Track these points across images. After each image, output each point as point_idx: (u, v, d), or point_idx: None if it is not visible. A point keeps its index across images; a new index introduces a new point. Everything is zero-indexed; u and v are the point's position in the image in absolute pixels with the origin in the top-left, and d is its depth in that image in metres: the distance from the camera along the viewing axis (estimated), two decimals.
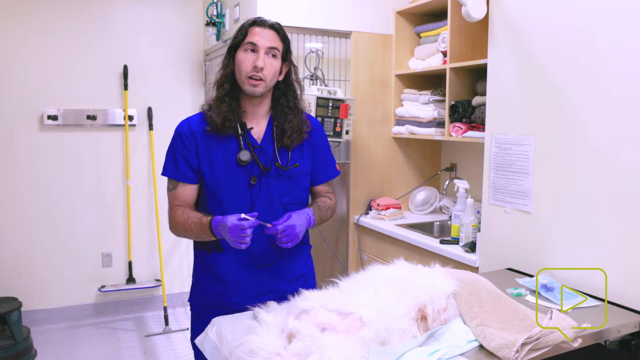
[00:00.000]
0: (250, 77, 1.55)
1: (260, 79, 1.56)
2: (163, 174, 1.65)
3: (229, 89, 1.60)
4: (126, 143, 3.67)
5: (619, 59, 1.60)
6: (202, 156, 1.60)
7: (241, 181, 1.60)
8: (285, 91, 1.66)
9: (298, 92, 1.69)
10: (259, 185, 1.61)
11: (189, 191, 1.62)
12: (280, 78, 1.65)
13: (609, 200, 1.64)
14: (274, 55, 1.58)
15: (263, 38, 1.56)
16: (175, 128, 1.64)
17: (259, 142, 1.63)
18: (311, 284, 1.74)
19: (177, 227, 1.61)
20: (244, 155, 1.58)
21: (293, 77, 1.68)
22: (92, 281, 3.71)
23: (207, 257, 1.66)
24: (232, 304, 1.62)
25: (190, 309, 1.74)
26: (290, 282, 1.68)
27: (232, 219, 1.44)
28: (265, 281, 1.64)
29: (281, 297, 1.51)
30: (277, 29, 1.61)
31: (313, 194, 1.78)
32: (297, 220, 1.52)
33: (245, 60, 1.56)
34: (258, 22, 1.59)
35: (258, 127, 1.64)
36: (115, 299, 3.79)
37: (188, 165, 1.60)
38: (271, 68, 1.57)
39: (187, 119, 1.65)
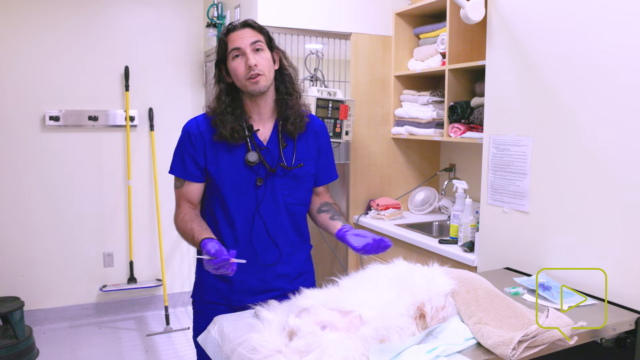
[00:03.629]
0: (250, 78, 1.57)
1: (258, 74, 1.57)
2: (170, 172, 1.68)
3: (230, 100, 1.62)
4: (127, 144, 3.68)
5: (614, 62, 1.62)
6: (210, 156, 1.62)
7: (247, 182, 1.62)
8: (281, 78, 1.67)
9: (293, 75, 1.69)
10: (264, 186, 1.63)
11: (195, 189, 1.65)
12: (276, 67, 1.66)
13: (605, 200, 1.66)
14: (260, 49, 1.59)
15: (242, 38, 1.57)
16: (183, 127, 1.67)
17: (265, 144, 1.64)
18: (311, 283, 1.77)
19: (178, 232, 1.64)
20: (252, 157, 1.60)
21: (285, 62, 1.68)
22: (93, 281, 3.73)
23: None
24: (234, 301, 1.65)
25: (193, 306, 1.76)
26: (290, 280, 1.70)
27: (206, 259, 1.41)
28: (266, 280, 1.66)
29: (282, 296, 1.54)
30: (250, 24, 1.61)
31: (315, 194, 1.80)
32: (363, 233, 1.51)
33: (237, 66, 1.57)
34: (231, 29, 1.60)
35: (264, 129, 1.66)
36: (116, 299, 3.81)
37: (195, 164, 1.63)
38: (263, 61, 1.58)
39: (195, 118, 1.67)
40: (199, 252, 1.49)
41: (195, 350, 1.73)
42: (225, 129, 1.58)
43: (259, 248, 1.64)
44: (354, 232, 1.54)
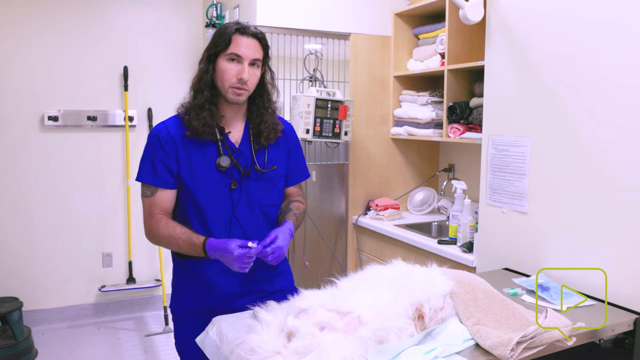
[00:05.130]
0: (235, 87, 1.54)
1: (244, 89, 1.55)
2: (138, 179, 1.58)
3: (210, 95, 1.57)
4: (126, 144, 3.68)
5: (613, 61, 1.62)
6: (182, 161, 1.57)
7: (221, 186, 1.58)
8: (260, 92, 1.64)
9: (271, 93, 1.67)
10: (239, 189, 1.60)
11: (167, 197, 1.58)
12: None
13: (605, 200, 1.66)
14: (256, 65, 1.57)
15: (247, 49, 1.53)
16: (149, 132, 1.62)
17: (237, 146, 1.61)
18: (290, 280, 1.77)
19: (160, 240, 1.57)
20: (224, 161, 1.56)
21: (267, 79, 1.66)
22: (92, 281, 3.72)
23: (188, 262, 1.63)
24: (216, 307, 1.60)
25: (172, 315, 1.70)
26: (270, 280, 1.68)
27: (236, 250, 1.42)
28: (247, 282, 1.63)
29: (262, 297, 1.52)
30: (260, 37, 1.57)
31: (285, 195, 1.77)
32: (283, 240, 1.50)
33: (229, 70, 1.53)
34: (241, 30, 1.54)
35: (236, 130, 1.63)
36: (115, 299, 3.81)
37: (167, 170, 1.56)
38: (254, 78, 1.57)
39: (164, 122, 1.62)
40: (205, 252, 1.48)
41: (178, 358, 1.71)
42: (198, 124, 1.53)
43: None
44: (283, 232, 1.52)
